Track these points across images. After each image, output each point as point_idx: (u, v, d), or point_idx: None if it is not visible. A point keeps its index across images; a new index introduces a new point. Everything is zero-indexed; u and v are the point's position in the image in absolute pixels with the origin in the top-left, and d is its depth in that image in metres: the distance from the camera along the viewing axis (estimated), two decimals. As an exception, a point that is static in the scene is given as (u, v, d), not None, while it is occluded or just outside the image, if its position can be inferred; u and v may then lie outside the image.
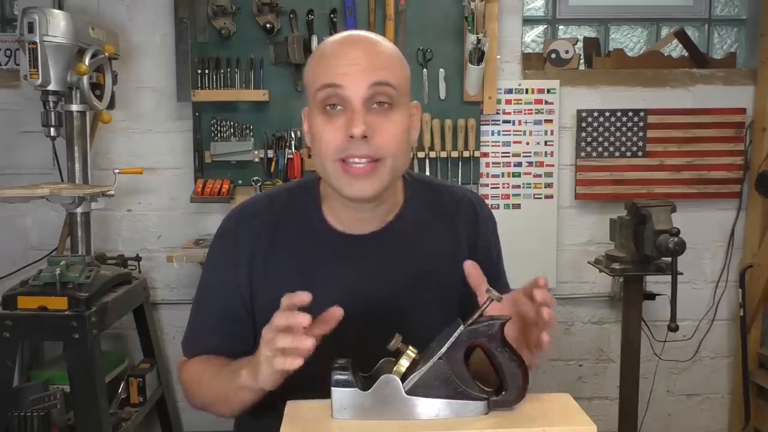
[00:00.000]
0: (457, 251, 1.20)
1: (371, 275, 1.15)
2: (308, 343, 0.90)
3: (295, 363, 0.90)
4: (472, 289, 1.11)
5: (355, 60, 1.03)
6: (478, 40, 2.57)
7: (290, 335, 0.91)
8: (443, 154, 2.75)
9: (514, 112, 2.84)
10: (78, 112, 2.41)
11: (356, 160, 1.03)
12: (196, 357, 1.21)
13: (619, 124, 2.84)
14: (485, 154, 2.83)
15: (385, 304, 1.14)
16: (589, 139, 2.85)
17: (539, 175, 2.86)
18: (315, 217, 1.17)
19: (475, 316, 0.92)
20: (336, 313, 0.96)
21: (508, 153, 2.85)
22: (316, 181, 1.19)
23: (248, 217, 1.20)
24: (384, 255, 1.16)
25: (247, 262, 1.16)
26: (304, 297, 0.93)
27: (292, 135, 2.72)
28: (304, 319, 0.91)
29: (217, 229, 1.23)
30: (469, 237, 1.22)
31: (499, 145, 2.85)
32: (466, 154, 2.76)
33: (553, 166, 2.86)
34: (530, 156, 2.85)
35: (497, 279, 1.26)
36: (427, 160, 2.75)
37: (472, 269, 1.01)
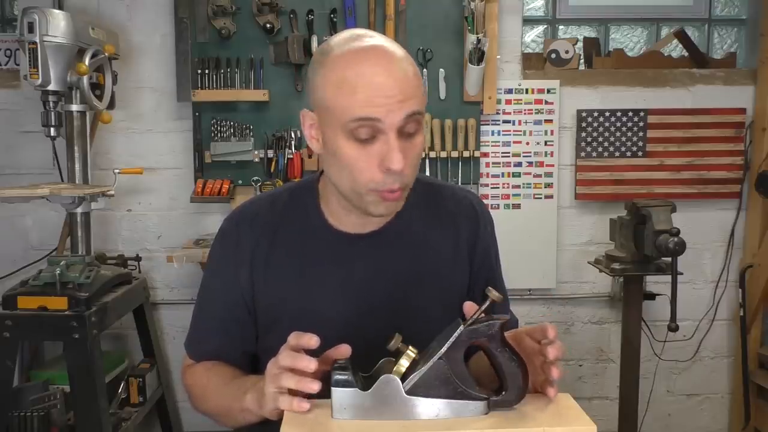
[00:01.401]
0: (456, 251, 1.20)
1: (371, 275, 1.15)
2: (315, 388, 0.91)
3: (303, 406, 0.92)
4: (474, 294, 1.13)
5: (390, 91, 0.99)
6: (478, 40, 2.57)
7: (296, 377, 0.92)
8: (443, 154, 2.75)
9: (514, 112, 2.84)
10: (78, 112, 2.41)
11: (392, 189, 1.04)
12: (200, 363, 1.22)
13: (619, 124, 2.84)
14: (485, 154, 2.83)
15: (385, 303, 1.14)
16: (589, 139, 2.85)
17: (539, 175, 2.86)
18: (315, 216, 1.17)
19: (475, 316, 0.92)
20: (343, 350, 0.96)
21: (508, 153, 2.85)
22: (315, 181, 1.19)
23: (249, 217, 1.20)
24: (383, 254, 1.16)
25: (248, 262, 1.16)
26: (311, 341, 0.94)
27: (292, 135, 2.72)
28: (311, 364, 0.92)
29: (218, 229, 1.23)
30: (469, 238, 1.22)
31: (499, 145, 2.85)
32: (466, 154, 2.76)
33: (553, 166, 2.86)
34: (530, 156, 2.85)
35: (495, 283, 1.26)
36: (427, 160, 2.75)
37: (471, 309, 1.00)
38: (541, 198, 2.87)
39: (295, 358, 0.93)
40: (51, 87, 2.24)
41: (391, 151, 1.00)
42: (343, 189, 1.08)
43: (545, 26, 3.12)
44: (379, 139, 1.01)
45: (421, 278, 1.17)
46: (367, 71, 1.00)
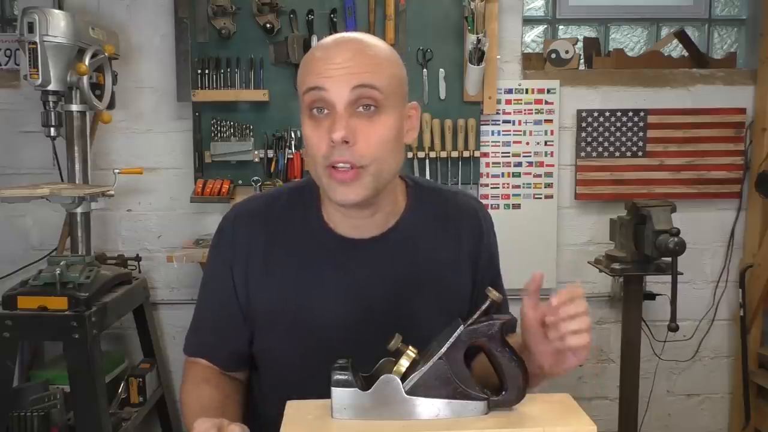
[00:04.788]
0: (458, 257, 1.19)
1: (370, 280, 1.14)
2: None
3: None
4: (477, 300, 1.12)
5: (340, 63, 1.02)
6: (478, 40, 2.57)
7: None
8: (443, 154, 2.75)
9: (514, 112, 2.84)
10: (78, 112, 2.41)
11: (341, 165, 1.03)
12: (191, 376, 1.20)
13: (619, 124, 2.84)
14: (485, 154, 2.83)
15: (384, 309, 1.13)
16: (589, 139, 2.85)
17: (539, 175, 2.86)
18: (314, 219, 1.16)
19: (475, 316, 0.92)
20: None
21: (508, 153, 2.85)
22: (315, 184, 1.19)
23: (245, 216, 1.20)
24: (383, 260, 1.15)
25: (244, 262, 1.16)
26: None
27: (292, 135, 2.72)
28: None
29: (217, 228, 1.23)
30: (473, 244, 1.21)
31: (499, 145, 2.85)
32: (466, 154, 2.76)
33: (553, 166, 2.86)
34: (530, 156, 2.85)
35: (497, 287, 1.26)
36: (427, 160, 2.75)
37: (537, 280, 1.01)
38: (541, 198, 2.87)
39: None
40: (51, 87, 2.23)
41: (335, 123, 1.01)
42: (314, 175, 1.09)
43: (545, 26, 3.12)
44: (331, 113, 1.03)
45: (420, 284, 1.16)
46: (327, 50, 1.05)
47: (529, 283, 1.01)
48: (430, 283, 1.17)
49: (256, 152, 2.73)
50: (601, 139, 2.85)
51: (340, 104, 1.02)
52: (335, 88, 1.01)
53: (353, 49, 1.04)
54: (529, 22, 3.08)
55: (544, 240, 2.88)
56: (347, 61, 1.02)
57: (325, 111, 1.03)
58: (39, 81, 2.19)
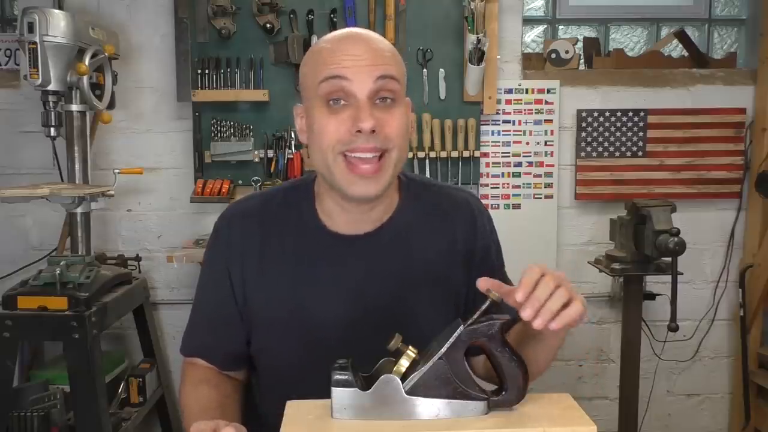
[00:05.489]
0: (453, 253, 1.19)
1: (365, 276, 1.14)
2: None
3: None
4: (474, 295, 1.12)
5: (359, 54, 1.03)
6: (478, 40, 2.57)
7: None
8: (443, 154, 2.75)
9: (514, 112, 2.84)
10: (78, 112, 2.41)
11: (363, 155, 1.03)
12: (190, 377, 1.20)
13: (619, 124, 2.84)
14: (485, 154, 2.83)
15: (380, 305, 1.13)
16: (589, 139, 2.85)
17: (539, 175, 2.86)
18: (309, 217, 1.16)
19: (476, 316, 0.91)
20: None
21: (508, 153, 2.85)
22: (311, 182, 1.19)
23: (240, 215, 1.20)
24: (378, 256, 1.15)
25: (240, 261, 1.16)
26: None
27: (292, 135, 2.72)
28: None
29: (212, 228, 1.23)
30: (467, 239, 1.21)
31: (499, 145, 2.85)
32: (466, 154, 2.76)
33: (553, 166, 2.86)
34: (530, 156, 2.85)
35: (498, 278, 1.26)
36: (427, 160, 2.75)
37: (485, 284, 0.96)
38: (541, 198, 2.87)
39: None
40: (51, 87, 2.23)
41: (361, 112, 1.02)
42: (322, 166, 1.08)
43: (545, 26, 3.12)
44: (351, 104, 1.03)
45: (416, 280, 1.16)
46: (337, 38, 1.07)
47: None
48: (424, 278, 1.16)
49: (256, 152, 2.73)
50: (601, 139, 2.85)
51: (363, 94, 1.02)
52: (358, 79, 1.02)
53: (367, 41, 1.06)
54: (529, 22, 3.08)
55: (544, 240, 2.88)
56: (366, 53, 1.03)
57: (342, 102, 1.04)
58: (39, 81, 2.19)
